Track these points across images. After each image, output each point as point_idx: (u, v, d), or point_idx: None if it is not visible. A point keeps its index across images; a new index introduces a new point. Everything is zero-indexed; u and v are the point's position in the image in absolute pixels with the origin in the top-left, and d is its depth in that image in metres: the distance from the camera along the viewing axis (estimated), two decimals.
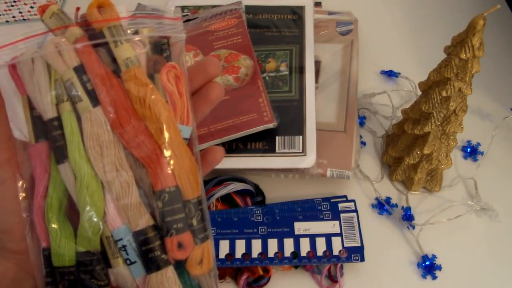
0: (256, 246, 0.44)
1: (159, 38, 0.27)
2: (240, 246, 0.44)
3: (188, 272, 0.25)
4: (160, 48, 0.27)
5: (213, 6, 0.57)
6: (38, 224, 0.25)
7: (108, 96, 0.24)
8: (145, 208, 0.25)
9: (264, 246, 0.44)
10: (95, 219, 0.24)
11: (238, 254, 0.43)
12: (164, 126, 0.24)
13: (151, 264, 0.24)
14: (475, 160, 0.53)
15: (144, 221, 0.24)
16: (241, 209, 0.46)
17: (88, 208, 0.24)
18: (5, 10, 0.64)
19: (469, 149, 0.53)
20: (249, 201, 0.48)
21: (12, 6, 0.64)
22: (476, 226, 0.48)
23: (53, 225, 0.24)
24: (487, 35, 0.40)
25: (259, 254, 0.43)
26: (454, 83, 0.41)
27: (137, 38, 0.25)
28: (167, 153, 0.24)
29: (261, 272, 0.43)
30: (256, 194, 0.48)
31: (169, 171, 0.24)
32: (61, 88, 0.24)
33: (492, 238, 0.47)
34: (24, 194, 0.25)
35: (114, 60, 0.25)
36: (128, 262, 0.24)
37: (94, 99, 0.24)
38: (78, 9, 0.26)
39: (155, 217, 0.25)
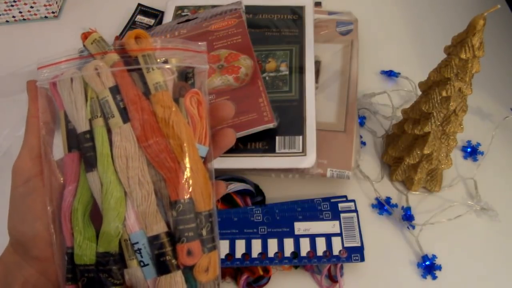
0: (256, 246, 0.44)
1: (185, 67, 0.30)
2: (240, 246, 0.44)
3: (195, 278, 0.27)
4: (186, 76, 0.30)
5: (213, 6, 0.57)
6: (64, 225, 0.27)
7: (137, 115, 0.27)
8: (161, 216, 0.27)
9: (264, 246, 0.44)
10: (116, 223, 0.27)
11: (238, 254, 0.43)
12: (184, 144, 0.27)
13: (162, 267, 0.27)
14: (475, 160, 0.53)
15: (159, 227, 0.27)
16: (241, 209, 0.46)
17: (111, 212, 0.26)
18: (5, 10, 0.64)
19: (469, 149, 0.53)
20: (249, 201, 0.48)
21: (12, 6, 0.64)
22: (476, 226, 0.48)
23: (77, 227, 0.27)
24: (487, 35, 0.40)
25: (259, 254, 0.43)
26: (454, 83, 0.41)
27: (167, 66, 0.28)
28: (185, 168, 0.27)
29: (261, 272, 0.43)
30: (256, 194, 0.48)
31: (185, 184, 0.27)
32: (96, 105, 0.28)
33: (492, 238, 0.47)
34: (50, 203, 0.28)
35: (145, 83, 0.28)
36: (142, 264, 0.27)
37: (125, 116, 0.27)
38: (117, 37, 0.30)
39: (169, 225, 0.27)
